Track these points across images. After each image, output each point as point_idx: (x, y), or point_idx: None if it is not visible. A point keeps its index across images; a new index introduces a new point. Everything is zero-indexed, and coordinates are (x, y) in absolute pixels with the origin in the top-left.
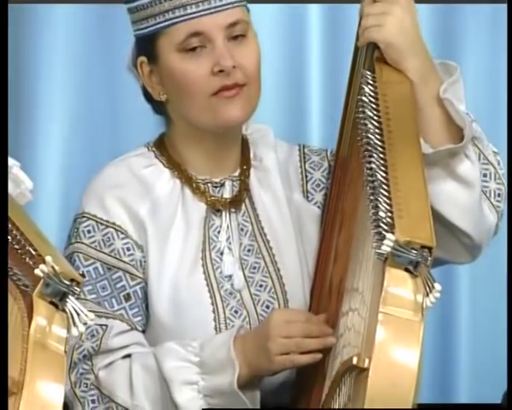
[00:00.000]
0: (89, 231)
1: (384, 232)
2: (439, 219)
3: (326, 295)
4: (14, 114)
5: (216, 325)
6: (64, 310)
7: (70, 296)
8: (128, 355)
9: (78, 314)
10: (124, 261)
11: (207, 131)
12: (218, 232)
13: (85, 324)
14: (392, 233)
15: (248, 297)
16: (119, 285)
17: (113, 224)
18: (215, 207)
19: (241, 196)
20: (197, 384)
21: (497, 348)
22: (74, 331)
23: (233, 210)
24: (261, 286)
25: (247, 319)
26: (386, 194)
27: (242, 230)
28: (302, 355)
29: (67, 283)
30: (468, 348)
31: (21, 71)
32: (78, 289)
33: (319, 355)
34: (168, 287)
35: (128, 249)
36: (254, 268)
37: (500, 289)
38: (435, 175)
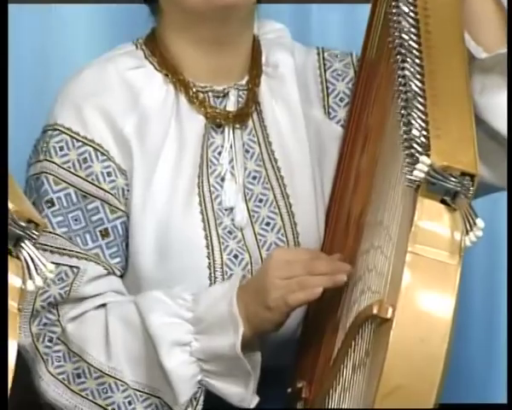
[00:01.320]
0: (61, 148)
1: (417, 155)
2: (493, 136)
3: (342, 229)
4: None
5: (211, 274)
6: (18, 258)
7: (26, 241)
8: (103, 305)
9: (35, 264)
10: (103, 189)
11: (203, 20)
12: (219, 153)
13: (45, 277)
14: (427, 156)
15: (251, 237)
16: (95, 218)
17: (92, 141)
18: (216, 122)
19: (249, 110)
20: (189, 346)
21: None
22: (30, 285)
23: (238, 126)
24: (268, 224)
25: (249, 265)
26: (421, 108)
27: (248, 151)
28: (297, 292)
29: (23, 224)
30: None
31: None
32: (36, 233)
33: (318, 290)
34: (155, 223)
35: (109, 175)
36: (261, 201)
37: None
38: (490, 84)
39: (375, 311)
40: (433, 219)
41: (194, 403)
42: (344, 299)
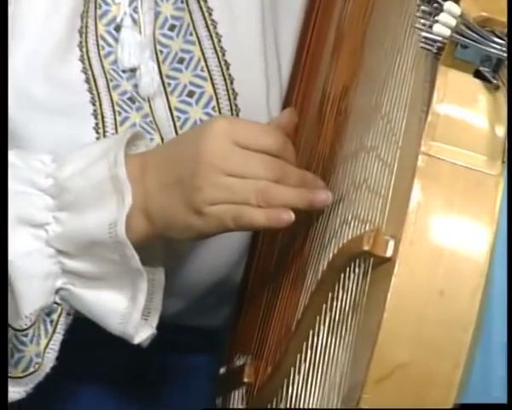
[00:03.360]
0: None
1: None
2: None
3: (313, 117)
4: None
5: None
6: None
7: None
8: None
9: None
10: None
11: None
12: None
13: None
14: (457, 2)
15: (165, 112)
16: None
17: None
18: None
19: None
20: (45, 229)
21: None
22: None
23: None
24: (191, 94)
25: None
26: None
27: None
28: (253, 209)
29: None
30: None
31: None
32: None
33: (289, 215)
34: (16, 75)
35: None
36: (181, 61)
37: None
38: None
39: (366, 246)
40: (463, 103)
41: (49, 328)
42: (312, 234)
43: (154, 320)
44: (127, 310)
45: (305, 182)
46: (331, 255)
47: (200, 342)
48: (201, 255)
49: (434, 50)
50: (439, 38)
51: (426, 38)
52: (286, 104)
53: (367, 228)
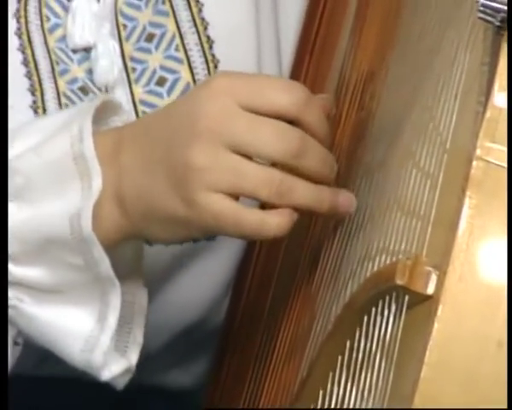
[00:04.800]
0: None
1: None
2: None
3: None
4: None
5: None
6: None
7: None
8: None
9: None
10: None
11: None
12: None
13: None
14: None
15: (127, 107)
16: None
17: None
18: None
19: None
20: None
21: None
22: None
23: None
24: (161, 82)
25: None
26: None
27: None
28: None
29: None
30: None
31: None
32: None
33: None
34: None
35: None
36: (150, 38)
37: None
38: None
39: (399, 279)
40: None
41: None
42: (321, 273)
43: (133, 356)
44: (93, 333)
45: (328, 168)
46: (354, 286)
47: (163, 407)
48: (168, 291)
49: (497, 23)
50: (504, 7)
51: (485, 5)
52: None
53: (399, 258)
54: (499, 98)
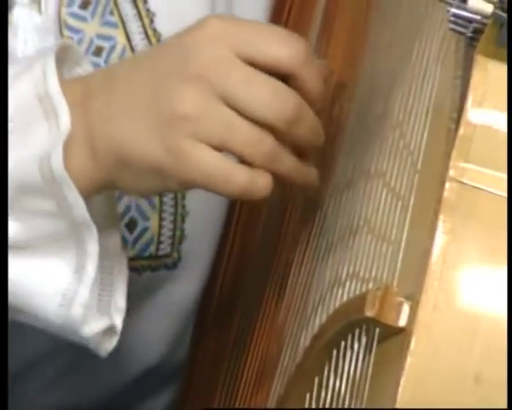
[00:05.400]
0: None
1: None
2: None
3: None
4: None
5: None
6: None
7: None
8: None
9: None
10: None
11: None
12: None
13: None
14: None
15: None
16: None
17: None
18: None
19: None
20: None
21: None
22: None
23: None
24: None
25: None
26: None
27: None
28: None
29: None
30: None
31: None
32: None
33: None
34: None
35: None
36: (99, 52)
37: None
38: None
39: (369, 311)
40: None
41: None
42: (289, 299)
43: (117, 319)
44: (71, 285)
45: (317, 136)
46: (320, 324)
47: None
48: (134, 325)
49: (469, 34)
50: (476, 17)
51: (456, 15)
52: None
53: (370, 287)
54: (473, 114)
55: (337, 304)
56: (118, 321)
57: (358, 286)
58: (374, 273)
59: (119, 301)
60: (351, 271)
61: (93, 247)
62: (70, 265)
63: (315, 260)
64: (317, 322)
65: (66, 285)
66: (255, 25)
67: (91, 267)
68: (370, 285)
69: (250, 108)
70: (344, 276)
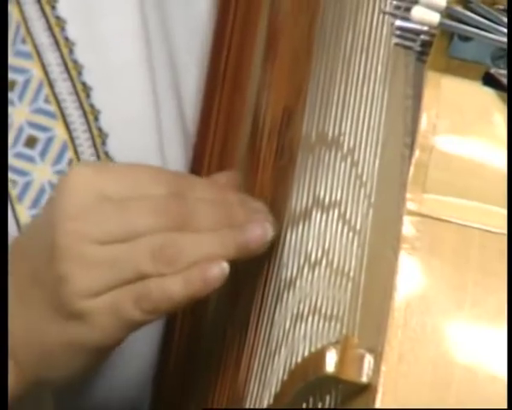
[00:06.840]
0: None
1: None
2: None
3: (245, 155)
4: None
5: None
6: None
7: None
8: None
9: None
10: None
11: None
12: None
13: None
14: None
15: None
16: None
17: None
18: None
19: None
20: None
21: None
22: None
23: None
24: (32, 143)
25: None
26: None
27: None
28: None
29: None
30: None
31: None
32: None
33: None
34: None
35: None
36: (11, 87)
37: None
38: None
39: (328, 367)
40: (468, 127)
41: None
42: (252, 337)
43: None
44: None
45: (230, 216)
46: (279, 384)
47: None
48: (105, 376)
49: (417, 48)
50: (423, 28)
51: (402, 28)
52: (199, 135)
53: (332, 326)
54: (428, 137)
55: (300, 343)
56: None
57: (321, 322)
58: (335, 311)
59: None
60: (313, 305)
61: None
62: None
63: (275, 293)
64: (281, 366)
65: None
66: (126, 168)
67: None
68: (332, 323)
69: (129, 230)
70: (306, 310)
